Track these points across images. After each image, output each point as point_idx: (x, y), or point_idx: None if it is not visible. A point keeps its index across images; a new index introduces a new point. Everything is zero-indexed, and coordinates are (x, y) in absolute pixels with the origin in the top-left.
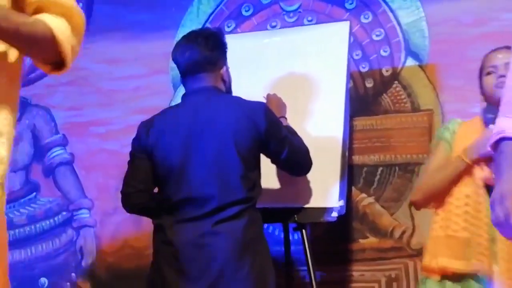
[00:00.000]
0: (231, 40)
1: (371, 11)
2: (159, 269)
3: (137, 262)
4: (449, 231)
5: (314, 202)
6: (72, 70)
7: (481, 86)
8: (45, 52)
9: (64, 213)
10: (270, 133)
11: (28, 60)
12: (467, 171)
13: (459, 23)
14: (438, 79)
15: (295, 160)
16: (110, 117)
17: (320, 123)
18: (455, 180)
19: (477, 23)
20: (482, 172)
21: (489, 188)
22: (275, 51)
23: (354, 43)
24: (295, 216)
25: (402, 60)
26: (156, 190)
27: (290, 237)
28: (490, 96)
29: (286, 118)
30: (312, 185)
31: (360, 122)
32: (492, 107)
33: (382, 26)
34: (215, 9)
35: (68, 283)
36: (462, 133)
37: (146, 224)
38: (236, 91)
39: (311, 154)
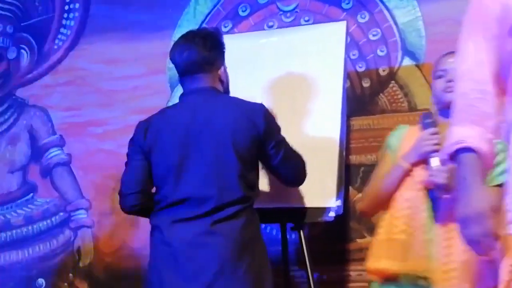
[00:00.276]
0: (228, 40)
1: (367, 11)
2: (156, 269)
3: (135, 262)
4: (391, 234)
5: (312, 202)
6: (70, 70)
7: (431, 89)
8: None
9: (61, 213)
10: (268, 134)
11: (25, 61)
12: (407, 175)
13: (456, 22)
14: None
15: (288, 165)
16: (107, 117)
17: (317, 123)
18: (398, 185)
19: None
20: (420, 176)
21: (428, 191)
22: (272, 51)
23: (351, 43)
24: (293, 216)
25: (398, 60)
26: (153, 190)
27: (288, 237)
28: (438, 99)
29: None
30: (309, 185)
31: (357, 122)
32: (429, 114)
33: (379, 25)
34: (212, 9)
35: (65, 284)
36: (408, 139)
37: (144, 224)
38: (233, 91)
39: (309, 154)
